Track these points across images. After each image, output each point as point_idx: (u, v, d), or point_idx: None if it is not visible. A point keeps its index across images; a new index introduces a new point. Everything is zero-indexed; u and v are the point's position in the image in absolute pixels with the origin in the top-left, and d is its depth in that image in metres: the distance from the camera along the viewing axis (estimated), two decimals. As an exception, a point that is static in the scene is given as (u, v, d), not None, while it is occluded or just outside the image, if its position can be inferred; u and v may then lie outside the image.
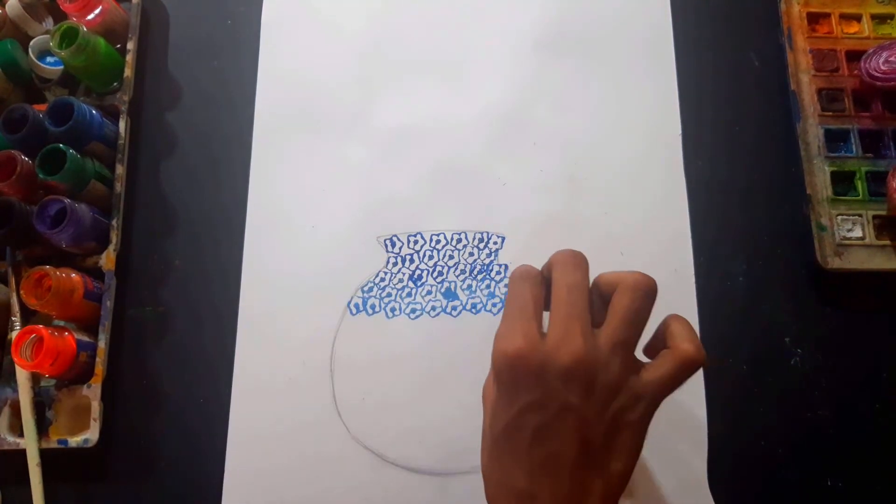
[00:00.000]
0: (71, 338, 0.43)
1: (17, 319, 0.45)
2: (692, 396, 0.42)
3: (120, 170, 0.48)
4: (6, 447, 0.43)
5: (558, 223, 0.46)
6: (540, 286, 0.33)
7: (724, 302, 0.44)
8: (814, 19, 0.48)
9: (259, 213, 0.47)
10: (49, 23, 0.52)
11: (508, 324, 0.31)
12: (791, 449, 0.42)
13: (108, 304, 0.45)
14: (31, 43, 0.50)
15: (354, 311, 0.45)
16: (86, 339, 0.44)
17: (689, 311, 0.44)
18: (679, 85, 0.48)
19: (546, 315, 0.32)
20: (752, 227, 0.46)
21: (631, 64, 0.49)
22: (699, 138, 0.47)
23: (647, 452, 0.42)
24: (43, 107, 0.46)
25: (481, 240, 0.46)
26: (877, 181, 0.44)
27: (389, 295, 0.45)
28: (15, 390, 0.44)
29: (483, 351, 0.44)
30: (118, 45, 0.51)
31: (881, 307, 0.44)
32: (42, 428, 0.43)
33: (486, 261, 0.46)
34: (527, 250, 0.46)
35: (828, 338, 0.43)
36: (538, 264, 0.45)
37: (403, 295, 0.45)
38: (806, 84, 0.47)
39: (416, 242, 0.46)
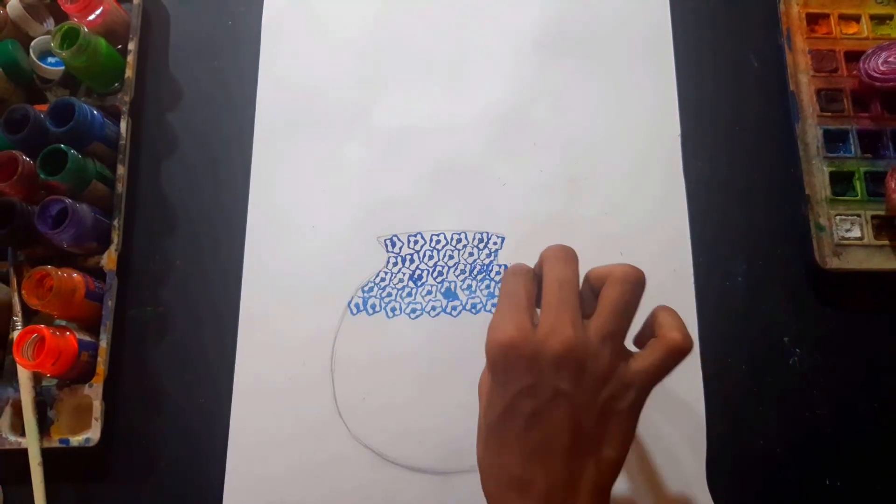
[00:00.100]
0: (72, 338, 0.43)
1: (18, 319, 0.45)
2: (692, 396, 0.42)
3: (121, 170, 0.48)
4: (8, 446, 0.43)
5: (558, 223, 0.46)
6: (532, 281, 0.34)
7: (724, 302, 0.44)
8: (813, 20, 0.48)
9: (259, 213, 0.48)
10: (50, 23, 0.52)
11: (501, 315, 0.32)
12: (790, 449, 0.42)
13: (110, 303, 0.45)
14: (33, 43, 0.50)
15: (355, 311, 0.45)
16: (87, 338, 0.45)
17: (689, 311, 0.44)
18: (679, 85, 0.48)
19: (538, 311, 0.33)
20: (752, 227, 0.46)
21: (631, 64, 0.49)
22: (699, 138, 0.47)
23: (647, 452, 0.42)
24: (44, 107, 0.46)
25: (481, 240, 0.46)
26: (875, 181, 0.45)
27: (390, 295, 0.45)
28: (17, 390, 0.44)
29: (483, 351, 0.44)
30: (119, 46, 0.51)
31: (880, 307, 0.44)
32: (43, 427, 0.44)
33: (486, 261, 0.46)
34: (527, 250, 0.46)
35: (827, 338, 0.43)
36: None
37: (404, 295, 0.45)
38: (805, 84, 0.47)
39: (416, 242, 0.46)
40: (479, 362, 0.44)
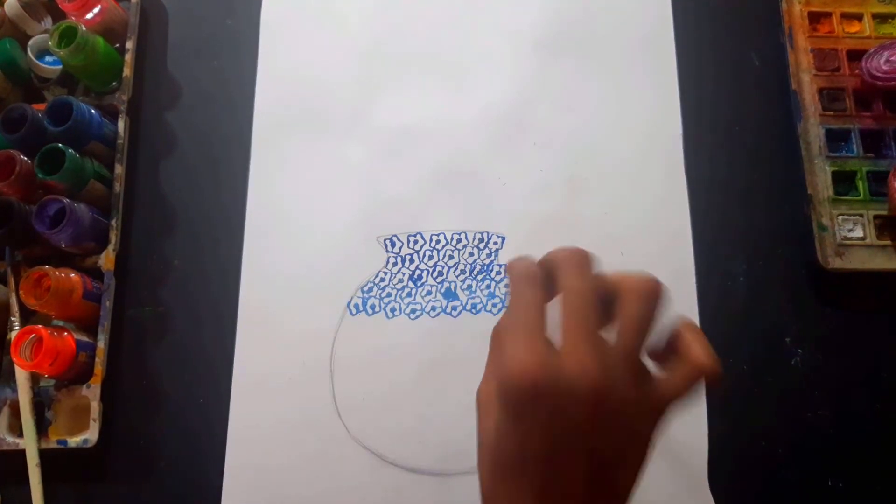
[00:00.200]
0: (70, 338, 0.43)
1: (16, 319, 0.45)
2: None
3: (119, 170, 0.48)
4: (6, 447, 0.43)
5: (558, 223, 0.46)
6: (542, 289, 0.31)
7: (724, 302, 0.44)
8: (815, 19, 0.48)
9: (259, 213, 0.47)
10: (48, 22, 0.52)
11: (515, 340, 0.30)
12: (791, 449, 0.42)
13: (108, 304, 0.45)
14: (30, 42, 0.50)
15: (354, 311, 0.45)
16: (85, 339, 0.44)
17: (689, 311, 0.44)
18: (679, 85, 0.48)
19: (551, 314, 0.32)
20: (753, 227, 0.46)
21: (631, 64, 0.49)
22: (700, 138, 0.47)
23: (647, 453, 0.42)
24: (42, 106, 0.46)
25: (481, 240, 0.46)
26: (878, 181, 0.44)
27: (389, 295, 0.45)
28: (14, 390, 0.44)
29: (483, 351, 0.44)
30: (117, 45, 0.51)
31: (882, 307, 0.44)
32: (41, 428, 0.43)
33: (486, 261, 0.45)
34: (527, 250, 0.45)
35: (828, 338, 0.43)
36: (538, 265, 0.45)
37: (403, 295, 0.45)
38: (807, 84, 0.47)
39: (416, 242, 0.46)
40: (479, 363, 0.44)
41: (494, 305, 0.45)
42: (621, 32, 0.49)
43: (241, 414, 0.44)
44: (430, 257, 0.46)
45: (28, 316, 0.46)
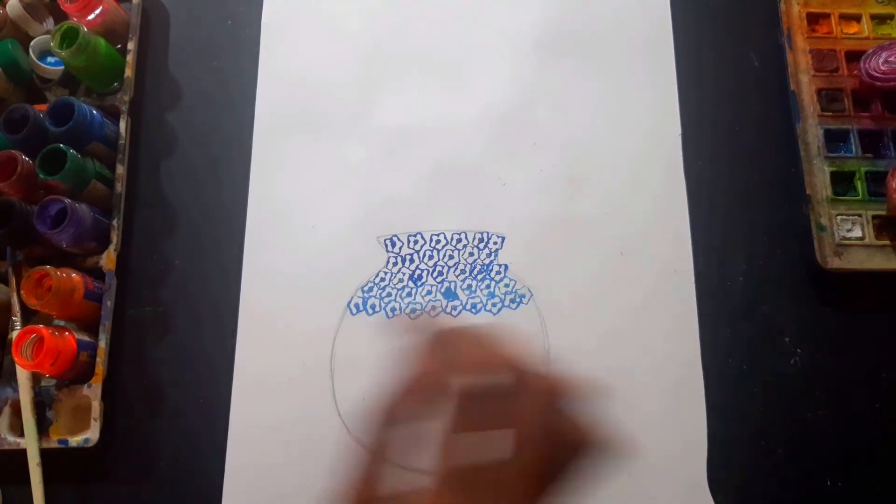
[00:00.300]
0: (71, 338, 0.43)
1: (17, 319, 0.45)
2: (692, 396, 0.42)
3: (120, 170, 0.48)
4: (6, 447, 0.43)
5: (558, 223, 0.46)
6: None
7: (725, 302, 0.44)
8: (813, 19, 0.48)
9: (259, 212, 0.48)
10: (49, 23, 0.52)
11: None
12: (791, 449, 0.42)
13: (109, 304, 0.45)
14: (32, 43, 0.50)
15: (354, 310, 0.45)
16: (86, 338, 0.44)
17: (689, 311, 0.44)
18: (679, 85, 0.48)
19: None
20: (752, 227, 0.46)
21: (631, 64, 0.49)
22: (699, 138, 0.47)
23: (647, 452, 0.42)
24: (43, 107, 0.46)
25: (481, 240, 0.46)
26: (876, 181, 0.44)
27: (389, 295, 0.45)
28: (15, 390, 0.44)
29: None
30: (118, 46, 0.51)
31: (881, 307, 0.44)
32: (42, 428, 0.43)
33: (486, 261, 0.46)
34: (527, 250, 0.46)
35: (827, 337, 0.43)
36: (538, 264, 0.45)
37: (403, 295, 0.45)
38: (806, 84, 0.47)
39: (416, 242, 0.46)
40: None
41: (494, 305, 0.45)
42: (621, 33, 0.49)
43: (242, 413, 0.44)
44: (431, 257, 0.46)
45: (29, 316, 0.46)
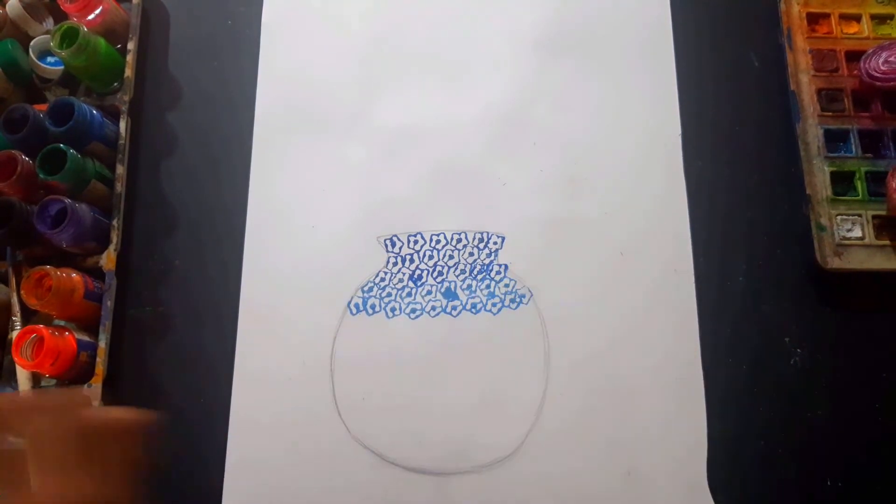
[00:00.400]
0: (71, 338, 0.43)
1: (17, 319, 0.45)
2: (692, 396, 0.42)
3: (120, 170, 0.48)
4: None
5: (558, 223, 0.46)
6: None
7: (725, 302, 0.44)
8: (813, 19, 0.48)
9: (259, 212, 0.48)
10: (49, 23, 0.52)
11: None
12: (791, 449, 0.42)
13: (109, 303, 0.45)
14: (32, 43, 0.50)
15: (354, 311, 0.45)
16: (86, 338, 0.44)
17: (689, 311, 0.44)
18: (679, 85, 0.48)
19: None
20: (753, 227, 0.46)
21: (631, 64, 0.49)
22: (699, 138, 0.47)
23: (647, 452, 0.42)
24: (43, 107, 0.46)
25: (481, 240, 0.46)
26: (876, 181, 0.44)
27: (389, 295, 0.45)
28: (15, 389, 0.44)
29: (483, 351, 0.44)
30: (118, 46, 0.51)
31: (881, 307, 0.44)
32: (42, 428, 0.43)
33: (486, 261, 0.46)
34: (527, 250, 0.46)
35: (828, 338, 0.43)
36: (538, 264, 0.45)
37: (403, 295, 0.45)
38: (806, 84, 0.47)
39: (416, 242, 0.46)
40: (480, 362, 0.44)
41: (494, 305, 0.45)
42: (621, 33, 0.49)
43: (242, 413, 0.44)
44: (431, 257, 0.46)
45: (29, 316, 0.46)
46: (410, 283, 0.45)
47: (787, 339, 0.44)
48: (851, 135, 0.45)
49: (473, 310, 0.45)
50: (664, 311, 0.44)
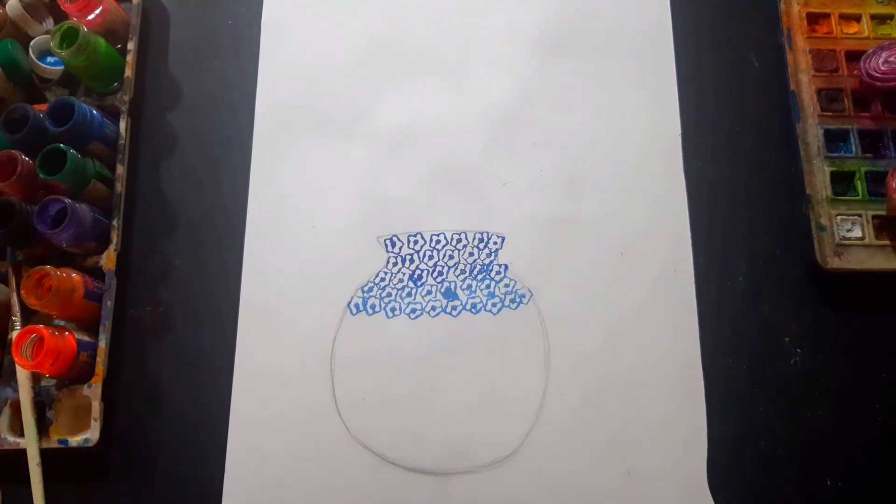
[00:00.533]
0: (71, 338, 0.43)
1: (17, 319, 0.45)
2: (692, 396, 0.42)
3: (120, 170, 0.48)
4: (6, 447, 0.43)
5: (558, 223, 0.46)
6: None
7: (725, 302, 0.44)
8: (813, 19, 0.48)
9: (259, 213, 0.48)
10: (49, 23, 0.52)
11: None
12: (791, 449, 0.42)
13: (109, 304, 0.45)
14: (32, 43, 0.50)
15: (354, 311, 0.45)
16: (86, 338, 0.44)
17: (689, 311, 0.44)
18: (679, 85, 0.48)
19: None
20: (752, 227, 0.46)
21: (630, 64, 0.49)
22: (699, 138, 0.47)
23: (647, 452, 0.42)
24: (43, 107, 0.46)
25: (481, 240, 0.46)
26: (876, 181, 0.44)
27: (389, 295, 0.45)
28: (15, 390, 0.44)
29: (483, 351, 0.44)
30: (118, 46, 0.51)
31: (881, 307, 0.44)
32: (42, 428, 0.44)
33: (486, 261, 0.46)
34: (527, 250, 0.46)
35: (828, 338, 0.43)
36: (538, 264, 0.45)
37: (403, 295, 0.45)
38: (805, 84, 0.47)
39: (416, 242, 0.46)
40: (480, 362, 0.44)
41: (494, 305, 0.45)
42: (621, 33, 0.49)
43: (242, 413, 0.44)
44: (431, 257, 0.46)
45: (29, 316, 0.46)
46: (410, 283, 0.45)
47: (787, 339, 0.44)
48: (851, 135, 0.45)
49: (473, 310, 0.45)
50: (664, 311, 0.44)
